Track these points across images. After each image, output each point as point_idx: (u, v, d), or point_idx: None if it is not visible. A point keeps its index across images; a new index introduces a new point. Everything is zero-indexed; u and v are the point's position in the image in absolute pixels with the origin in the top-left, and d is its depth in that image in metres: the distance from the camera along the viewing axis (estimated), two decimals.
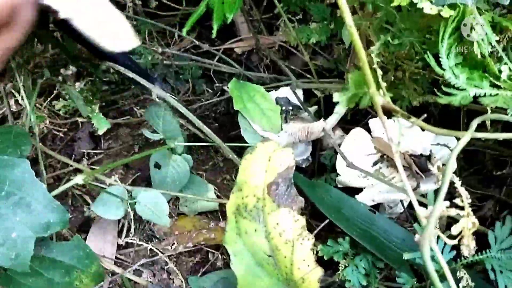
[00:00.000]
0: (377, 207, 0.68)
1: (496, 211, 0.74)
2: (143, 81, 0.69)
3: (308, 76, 0.91)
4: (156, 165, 0.73)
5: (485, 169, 0.78)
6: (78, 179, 0.62)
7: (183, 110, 0.69)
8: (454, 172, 0.67)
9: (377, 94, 0.39)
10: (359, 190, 0.70)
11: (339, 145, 0.73)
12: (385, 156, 0.70)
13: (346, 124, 0.83)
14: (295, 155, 0.79)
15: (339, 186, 0.72)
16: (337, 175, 0.72)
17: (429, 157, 0.63)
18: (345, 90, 0.41)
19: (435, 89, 0.49)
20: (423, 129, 0.43)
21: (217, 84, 0.93)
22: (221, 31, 1.06)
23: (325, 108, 0.84)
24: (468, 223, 0.37)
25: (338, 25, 0.83)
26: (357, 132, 0.73)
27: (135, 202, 0.66)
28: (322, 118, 0.74)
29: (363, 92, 0.41)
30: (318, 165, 0.80)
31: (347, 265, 0.62)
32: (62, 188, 0.62)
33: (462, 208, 0.39)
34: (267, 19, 1.00)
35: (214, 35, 0.53)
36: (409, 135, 0.68)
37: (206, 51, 0.96)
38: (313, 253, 0.67)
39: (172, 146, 0.72)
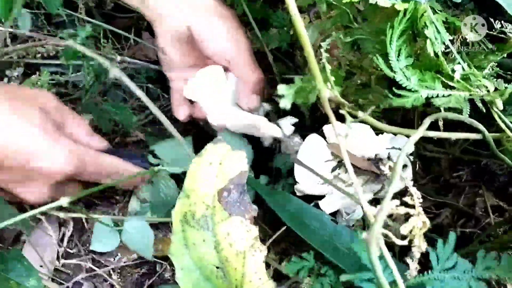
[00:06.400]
0: (332, 214, 0.65)
1: (453, 219, 0.72)
2: None
3: None
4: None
5: (442, 178, 0.77)
6: (64, 201, 0.52)
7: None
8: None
9: (324, 87, 0.37)
10: (315, 197, 0.68)
11: (296, 152, 0.71)
12: (343, 161, 0.68)
13: (304, 131, 0.81)
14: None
15: (298, 194, 0.70)
16: (295, 182, 0.69)
17: (381, 159, 0.61)
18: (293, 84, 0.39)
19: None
20: (373, 127, 0.41)
21: None
22: None
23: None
24: (418, 221, 0.35)
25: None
26: (313, 138, 0.70)
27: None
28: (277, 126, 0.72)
29: (311, 86, 0.38)
30: (275, 170, 0.78)
31: (312, 283, 0.58)
32: (41, 209, 0.53)
33: (412, 207, 0.37)
34: None
35: None
36: (364, 140, 0.66)
37: None
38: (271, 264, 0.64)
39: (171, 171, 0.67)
